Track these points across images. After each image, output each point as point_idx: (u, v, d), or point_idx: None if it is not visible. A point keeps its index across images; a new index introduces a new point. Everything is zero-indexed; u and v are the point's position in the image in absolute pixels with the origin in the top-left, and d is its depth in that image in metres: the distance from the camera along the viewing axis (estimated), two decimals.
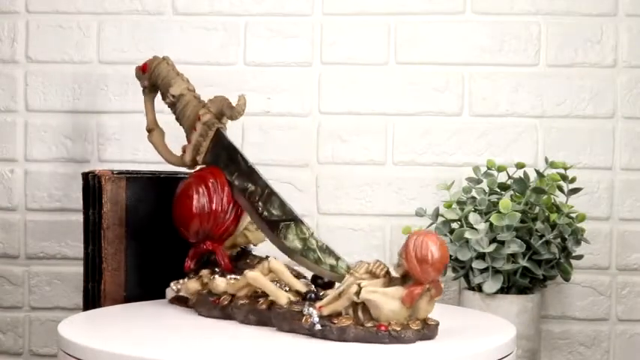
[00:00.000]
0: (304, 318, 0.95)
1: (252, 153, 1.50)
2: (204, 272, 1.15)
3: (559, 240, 1.33)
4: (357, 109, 1.50)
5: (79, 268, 1.40)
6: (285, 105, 1.50)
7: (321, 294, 1.01)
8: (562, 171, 1.35)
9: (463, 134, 1.49)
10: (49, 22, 1.52)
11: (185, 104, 1.23)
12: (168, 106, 1.25)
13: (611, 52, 1.47)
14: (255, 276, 1.03)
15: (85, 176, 1.28)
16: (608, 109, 1.48)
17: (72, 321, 1.04)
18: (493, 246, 1.28)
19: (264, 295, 1.04)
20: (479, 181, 1.38)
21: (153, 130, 1.28)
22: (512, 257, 1.30)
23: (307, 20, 1.50)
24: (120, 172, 1.28)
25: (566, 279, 1.37)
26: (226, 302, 1.07)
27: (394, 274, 0.95)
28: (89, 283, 1.27)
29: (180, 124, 1.24)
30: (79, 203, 1.35)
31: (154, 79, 1.26)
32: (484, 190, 1.36)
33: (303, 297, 1.01)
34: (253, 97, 1.50)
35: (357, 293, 0.93)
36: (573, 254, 1.36)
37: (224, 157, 1.19)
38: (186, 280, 1.16)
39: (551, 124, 1.48)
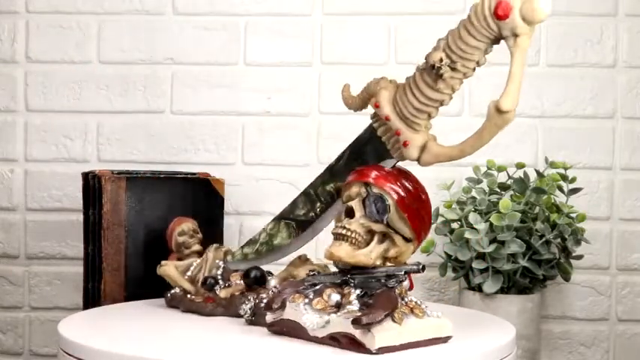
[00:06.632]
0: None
1: (252, 153, 1.50)
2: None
3: (559, 240, 1.33)
4: None
5: (79, 268, 1.40)
6: (285, 105, 1.50)
7: None
8: (562, 171, 1.35)
9: (463, 134, 1.48)
10: (49, 22, 1.52)
11: None
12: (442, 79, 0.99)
13: (611, 52, 1.47)
14: None
15: (85, 176, 1.28)
16: (608, 109, 1.48)
17: (72, 320, 1.04)
18: (493, 246, 1.28)
19: None
20: (479, 181, 1.38)
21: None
22: (512, 257, 1.30)
23: (307, 20, 1.50)
24: (120, 172, 1.28)
25: (566, 279, 1.37)
26: None
27: None
28: (89, 283, 1.27)
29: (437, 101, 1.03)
30: (79, 203, 1.35)
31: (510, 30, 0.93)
32: (484, 190, 1.36)
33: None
34: (253, 97, 1.50)
35: None
36: (573, 254, 1.35)
37: None
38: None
39: (551, 124, 1.48)
